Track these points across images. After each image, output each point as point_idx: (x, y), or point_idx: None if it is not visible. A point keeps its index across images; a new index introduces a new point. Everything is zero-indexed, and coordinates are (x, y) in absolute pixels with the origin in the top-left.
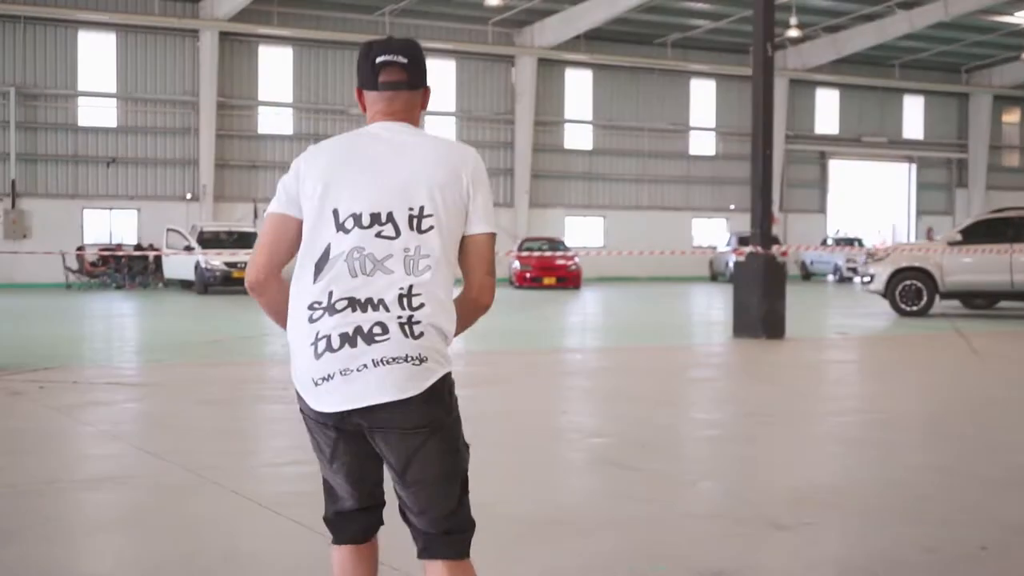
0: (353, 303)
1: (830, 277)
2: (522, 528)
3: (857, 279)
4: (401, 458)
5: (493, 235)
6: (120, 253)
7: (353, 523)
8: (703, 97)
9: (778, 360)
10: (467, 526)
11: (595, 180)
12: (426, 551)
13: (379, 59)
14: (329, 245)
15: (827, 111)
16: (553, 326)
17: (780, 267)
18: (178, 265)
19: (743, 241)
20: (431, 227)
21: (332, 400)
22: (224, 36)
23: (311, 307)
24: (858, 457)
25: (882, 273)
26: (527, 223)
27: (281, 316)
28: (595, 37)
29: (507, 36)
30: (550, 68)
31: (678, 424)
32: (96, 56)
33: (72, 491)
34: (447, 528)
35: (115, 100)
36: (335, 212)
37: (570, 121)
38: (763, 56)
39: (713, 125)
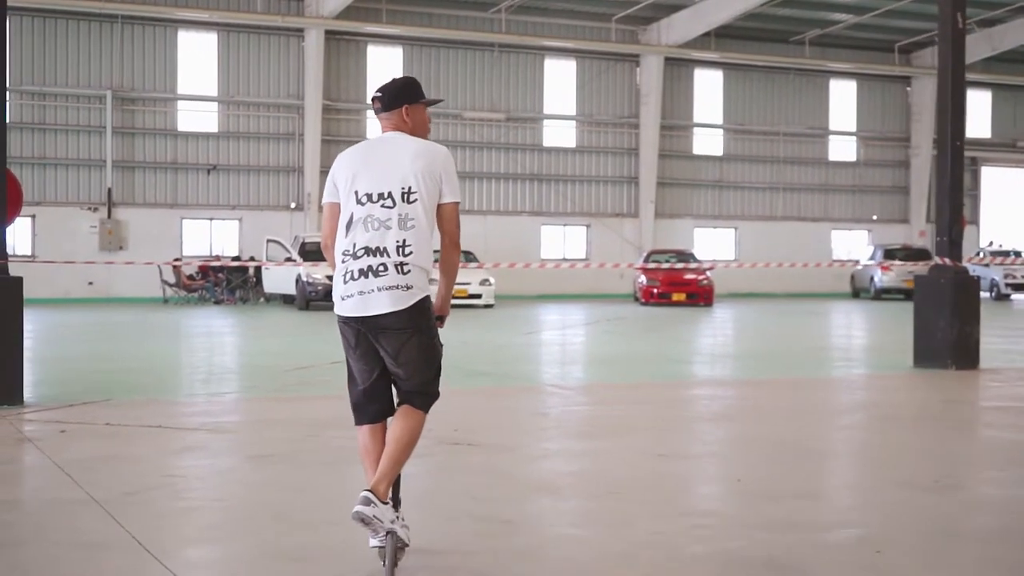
0: (368, 250)
1: (984, 294)
2: None
3: (1017, 296)
4: (395, 347)
5: (457, 203)
6: (217, 265)
7: (369, 406)
8: (843, 99)
9: (979, 399)
10: (433, 392)
11: (726, 188)
12: (404, 400)
13: (375, 95)
14: (352, 214)
15: (979, 113)
16: (687, 351)
17: (973, 283)
18: (279, 279)
19: (889, 254)
20: (416, 199)
21: (353, 309)
22: (330, 35)
23: (343, 254)
24: None
25: None
26: (653, 234)
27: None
28: (726, 34)
29: (631, 34)
30: (678, 68)
31: (884, 500)
32: (196, 57)
33: None
34: (421, 390)
35: (216, 104)
36: (356, 192)
37: (699, 125)
38: (952, 29)
39: (854, 129)
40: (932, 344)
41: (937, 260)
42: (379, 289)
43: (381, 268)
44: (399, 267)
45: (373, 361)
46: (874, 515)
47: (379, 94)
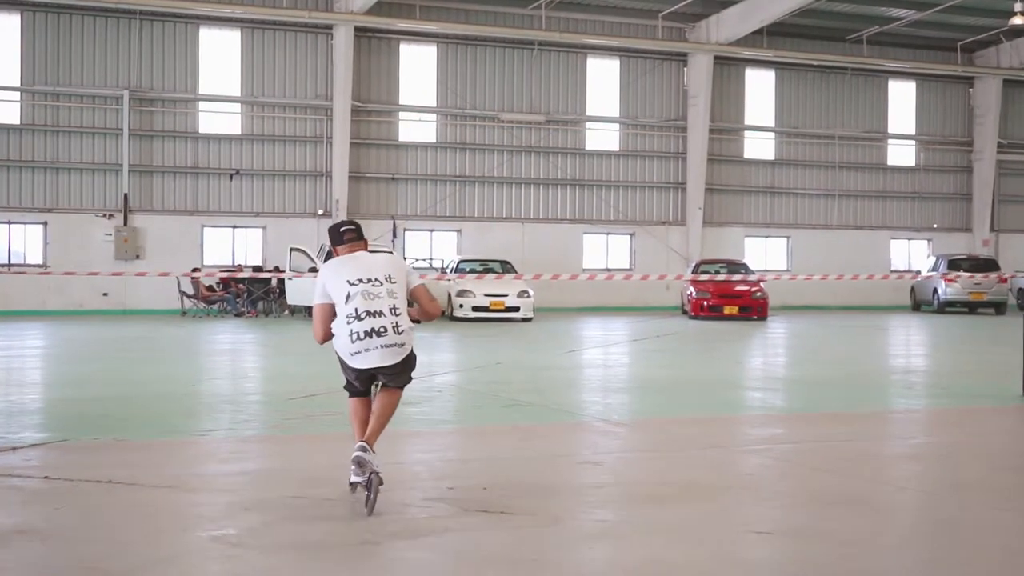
0: (368, 312)
1: None
2: None
3: None
4: (388, 377)
5: (423, 285)
6: (238, 275)
7: (359, 391)
8: (902, 100)
9: None
10: (408, 382)
11: (778, 195)
12: (388, 384)
13: (342, 228)
14: (348, 291)
15: None
16: (749, 374)
17: None
18: (302, 290)
19: (954, 265)
20: (396, 281)
21: (361, 363)
22: (360, 32)
23: (347, 317)
24: None
25: None
26: (701, 243)
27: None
28: (779, 32)
29: (679, 31)
30: (727, 68)
31: None
32: (219, 56)
33: None
34: (401, 385)
35: (239, 105)
36: (347, 280)
37: (750, 128)
38: None
39: (913, 132)
40: None
41: None
42: (381, 347)
43: (382, 329)
44: (395, 327)
45: (369, 382)
46: None
47: (352, 227)
